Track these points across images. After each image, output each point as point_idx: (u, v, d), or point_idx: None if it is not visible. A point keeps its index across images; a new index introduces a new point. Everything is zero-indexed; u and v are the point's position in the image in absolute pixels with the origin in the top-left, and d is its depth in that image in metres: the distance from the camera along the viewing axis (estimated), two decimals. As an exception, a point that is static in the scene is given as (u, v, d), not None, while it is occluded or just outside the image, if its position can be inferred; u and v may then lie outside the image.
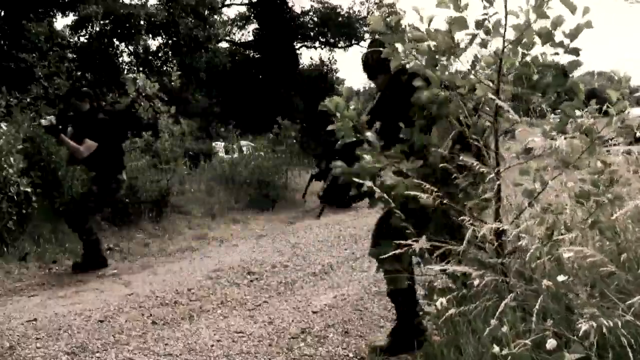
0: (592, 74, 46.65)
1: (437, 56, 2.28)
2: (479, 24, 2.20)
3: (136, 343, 3.46)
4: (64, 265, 5.71)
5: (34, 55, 10.46)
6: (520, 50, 2.21)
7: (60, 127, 5.27)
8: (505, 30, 2.17)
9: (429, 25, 2.25)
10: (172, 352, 3.30)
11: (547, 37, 2.17)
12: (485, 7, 2.18)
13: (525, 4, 2.16)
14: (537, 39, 2.19)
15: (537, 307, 1.58)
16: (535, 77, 2.22)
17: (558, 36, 2.18)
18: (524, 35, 2.17)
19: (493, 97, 2.17)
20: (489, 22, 2.18)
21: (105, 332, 3.66)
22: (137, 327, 3.77)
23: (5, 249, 5.61)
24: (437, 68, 2.32)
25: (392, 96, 2.91)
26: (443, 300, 1.83)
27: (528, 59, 2.23)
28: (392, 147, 2.86)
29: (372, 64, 3.00)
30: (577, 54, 2.20)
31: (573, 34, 2.16)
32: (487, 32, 2.20)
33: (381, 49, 2.84)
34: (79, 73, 10.31)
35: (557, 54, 2.21)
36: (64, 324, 3.81)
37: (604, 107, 2.13)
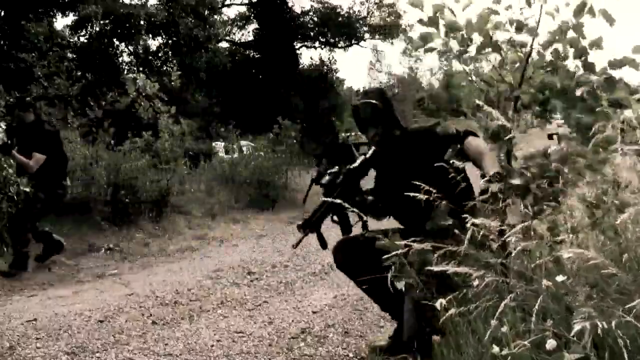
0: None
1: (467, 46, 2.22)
2: (519, 27, 2.15)
3: (136, 343, 3.46)
4: (64, 265, 5.72)
5: (33, 55, 10.48)
6: (549, 57, 2.15)
7: (10, 142, 5.28)
8: (536, 33, 2.12)
9: (463, 10, 2.20)
10: (172, 352, 3.30)
11: (580, 52, 2.11)
12: (521, 8, 2.15)
13: (565, 8, 2.11)
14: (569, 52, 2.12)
15: (536, 307, 1.58)
16: (572, 84, 2.15)
17: (595, 59, 2.11)
18: (558, 41, 2.10)
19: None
20: (527, 24, 2.13)
21: (105, 332, 3.65)
22: (137, 327, 3.77)
23: (5, 249, 5.61)
24: (465, 58, 2.28)
25: (385, 151, 2.87)
26: (443, 300, 1.83)
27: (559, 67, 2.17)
28: (383, 201, 2.82)
29: (364, 117, 2.85)
30: (614, 86, 2.08)
31: (616, 64, 2.07)
32: (528, 32, 2.14)
33: (373, 101, 2.81)
34: (79, 73, 10.33)
35: (590, 75, 2.13)
36: (64, 324, 3.81)
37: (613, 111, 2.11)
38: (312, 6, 25.18)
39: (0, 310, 4.20)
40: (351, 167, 2.92)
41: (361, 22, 25.16)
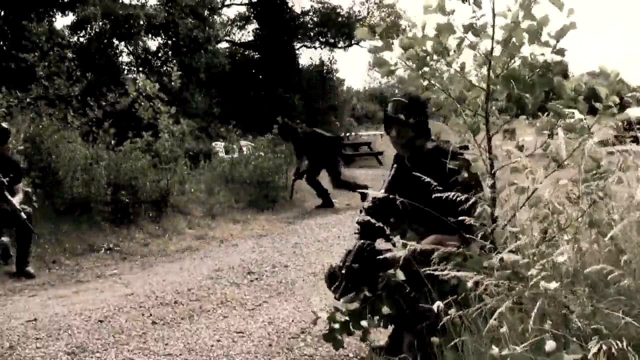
0: (593, 74, 46.54)
1: (426, 60, 2.27)
2: (467, 28, 2.20)
3: (136, 343, 3.47)
4: (64, 265, 5.73)
5: (34, 55, 10.47)
6: (508, 50, 2.22)
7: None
8: (493, 31, 2.18)
9: (423, 30, 2.25)
10: (172, 352, 3.30)
11: (533, 36, 2.17)
12: (474, 11, 2.18)
13: (514, 5, 2.16)
14: (525, 40, 2.20)
15: (536, 309, 1.58)
16: (531, 76, 2.22)
17: (545, 37, 2.18)
18: (512, 36, 2.18)
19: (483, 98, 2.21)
20: (476, 24, 2.19)
21: (105, 332, 3.66)
22: (137, 327, 3.78)
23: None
24: (426, 71, 2.32)
25: (405, 163, 2.84)
26: (440, 303, 1.84)
27: (517, 59, 2.24)
28: (411, 217, 2.72)
29: (395, 116, 2.72)
30: (563, 55, 2.19)
31: (559, 35, 2.16)
32: (476, 34, 2.21)
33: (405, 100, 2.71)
34: (79, 73, 10.32)
35: (542, 54, 2.21)
36: (64, 324, 3.81)
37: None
38: (312, 6, 25.14)
39: (0, 310, 4.21)
40: (378, 196, 2.87)
41: (361, 22, 25.11)
